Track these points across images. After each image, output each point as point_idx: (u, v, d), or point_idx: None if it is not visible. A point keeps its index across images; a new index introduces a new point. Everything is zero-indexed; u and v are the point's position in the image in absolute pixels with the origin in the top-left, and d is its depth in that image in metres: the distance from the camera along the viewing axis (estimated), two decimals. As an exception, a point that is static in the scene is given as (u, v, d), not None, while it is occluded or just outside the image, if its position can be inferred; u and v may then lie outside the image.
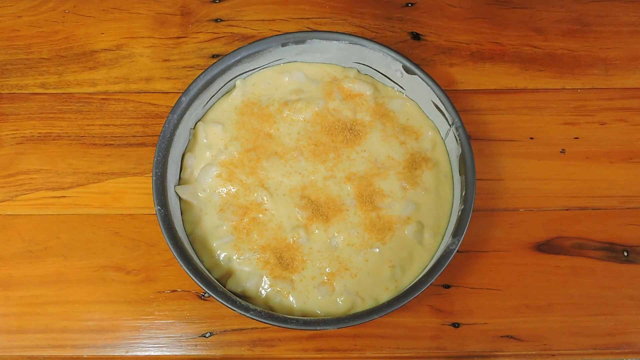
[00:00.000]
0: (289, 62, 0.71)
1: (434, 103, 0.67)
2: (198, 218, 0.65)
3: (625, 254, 0.67)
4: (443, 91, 0.65)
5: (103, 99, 0.73)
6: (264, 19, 0.76)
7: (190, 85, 0.65)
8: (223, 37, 0.76)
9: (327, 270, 0.63)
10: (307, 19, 0.76)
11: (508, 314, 0.65)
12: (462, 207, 0.62)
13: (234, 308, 0.58)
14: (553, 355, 0.65)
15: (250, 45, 0.67)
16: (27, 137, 0.71)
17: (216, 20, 0.76)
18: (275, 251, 0.63)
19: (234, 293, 0.61)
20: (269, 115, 0.68)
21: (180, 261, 0.59)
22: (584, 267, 0.67)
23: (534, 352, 0.64)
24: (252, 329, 0.64)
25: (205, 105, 0.68)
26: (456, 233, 0.60)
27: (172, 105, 0.65)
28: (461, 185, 0.63)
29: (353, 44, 0.67)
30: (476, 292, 0.66)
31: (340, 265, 0.63)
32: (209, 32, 0.76)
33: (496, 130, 0.72)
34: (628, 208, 0.69)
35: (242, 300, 0.59)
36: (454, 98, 0.67)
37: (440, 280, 0.66)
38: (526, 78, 0.74)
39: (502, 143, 0.71)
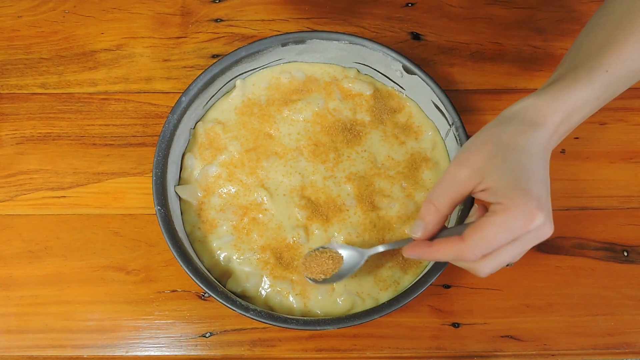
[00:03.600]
0: (289, 62, 0.71)
1: (434, 103, 0.67)
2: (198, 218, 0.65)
3: (625, 254, 0.67)
4: (443, 91, 0.65)
5: (103, 99, 0.73)
6: (264, 19, 0.76)
7: (190, 85, 0.65)
8: (223, 37, 0.76)
9: (327, 270, 0.63)
10: (307, 19, 0.76)
11: (508, 314, 0.65)
12: (462, 207, 0.62)
13: (234, 308, 0.58)
14: (553, 355, 0.65)
15: (250, 45, 0.67)
16: (27, 137, 0.71)
17: (216, 20, 0.76)
18: (275, 251, 0.63)
19: (234, 293, 0.61)
20: (269, 115, 0.68)
21: (180, 261, 0.59)
22: (584, 267, 0.67)
23: (534, 352, 0.64)
24: (252, 329, 0.64)
25: (205, 105, 0.68)
26: (456, 233, 0.60)
27: (172, 105, 0.65)
28: (461, 185, 0.63)
29: (353, 44, 0.67)
30: (476, 292, 0.66)
31: (340, 265, 0.63)
32: (209, 32, 0.76)
33: (496, 130, 0.72)
34: (628, 208, 0.69)
35: (242, 300, 0.59)
36: (454, 98, 0.67)
37: (440, 280, 0.66)
38: (526, 78, 0.74)
39: (502, 143, 0.71)
